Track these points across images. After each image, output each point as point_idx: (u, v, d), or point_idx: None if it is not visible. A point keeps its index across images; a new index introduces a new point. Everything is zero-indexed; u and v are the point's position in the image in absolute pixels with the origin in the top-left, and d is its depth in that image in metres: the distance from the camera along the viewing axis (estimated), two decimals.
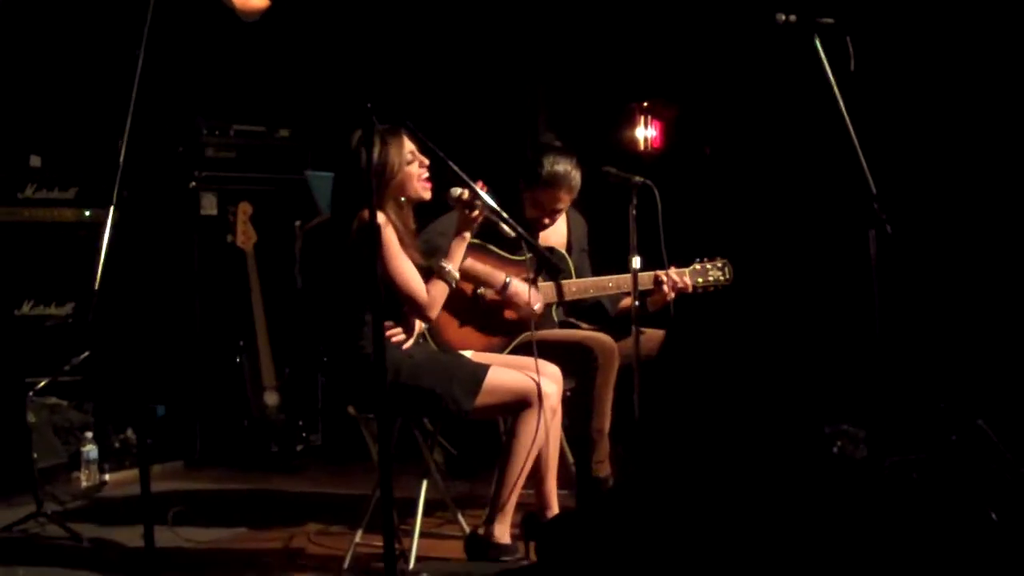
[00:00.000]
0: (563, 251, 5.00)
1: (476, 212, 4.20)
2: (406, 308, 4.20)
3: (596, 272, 5.03)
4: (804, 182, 6.02)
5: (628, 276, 4.53)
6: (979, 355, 5.40)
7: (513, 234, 4.26)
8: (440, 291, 4.21)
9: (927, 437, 4.72)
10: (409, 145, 4.21)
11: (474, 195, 4.14)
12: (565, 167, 4.82)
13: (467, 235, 4.26)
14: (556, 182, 4.82)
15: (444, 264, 4.22)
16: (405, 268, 4.13)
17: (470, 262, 4.62)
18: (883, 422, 4.56)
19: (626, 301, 4.91)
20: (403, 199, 4.24)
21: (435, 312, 4.22)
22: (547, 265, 4.29)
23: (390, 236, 4.09)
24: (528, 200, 4.90)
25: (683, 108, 6.64)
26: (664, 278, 4.78)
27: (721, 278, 4.94)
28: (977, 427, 4.58)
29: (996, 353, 5.37)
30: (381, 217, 4.09)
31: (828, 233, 5.77)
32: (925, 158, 5.69)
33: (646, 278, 4.74)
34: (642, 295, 4.74)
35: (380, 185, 4.14)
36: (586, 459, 4.67)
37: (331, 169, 6.37)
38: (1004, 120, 5.57)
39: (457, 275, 4.24)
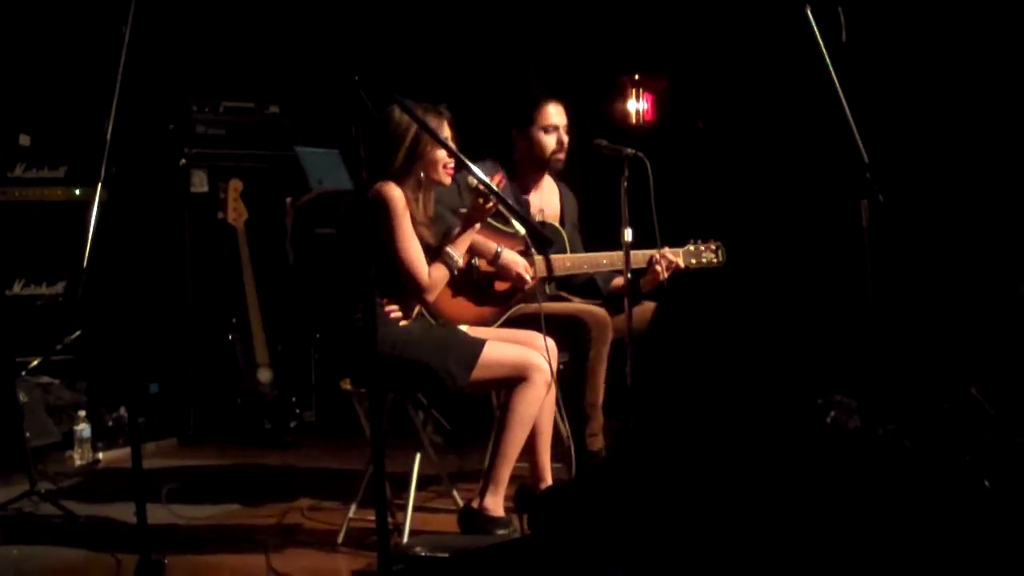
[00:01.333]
0: (557, 225, 4.99)
1: (491, 204, 4.19)
2: (406, 288, 4.20)
3: (587, 247, 5.02)
4: (796, 153, 6.01)
5: (622, 253, 4.52)
6: (971, 323, 5.40)
7: (523, 229, 4.29)
8: (441, 275, 4.22)
9: (920, 406, 4.72)
10: (446, 130, 4.21)
11: (488, 187, 4.13)
12: (549, 94, 4.96)
13: (478, 225, 4.28)
14: (546, 100, 4.92)
15: (449, 250, 4.22)
16: (412, 248, 4.15)
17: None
18: (876, 391, 4.56)
19: (619, 280, 4.90)
20: (423, 177, 4.25)
21: (433, 295, 4.24)
22: (538, 238, 4.27)
23: (402, 214, 4.12)
24: (528, 143, 4.93)
25: (675, 80, 6.63)
26: (658, 257, 4.77)
27: (714, 260, 4.93)
28: (970, 395, 4.59)
29: (988, 321, 5.37)
30: (399, 193, 4.11)
31: (821, 203, 5.76)
32: (917, 128, 5.68)
33: (640, 257, 4.73)
34: (636, 274, 4.74)
35: (409, 158, 4.19)
36: (580, 432, 4.67)
37: (323, 145, 6.44)
38: (996, 89, 5.56)
39: (461, 262, 4.26)
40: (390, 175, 4.17)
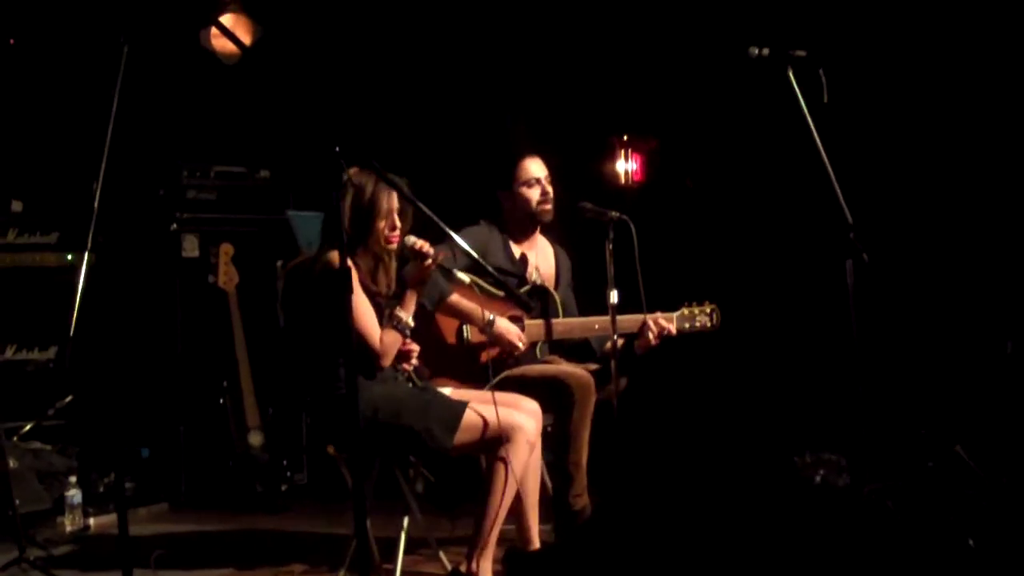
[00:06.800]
0: (551, 288, 5.02)
1: (428, 262, 4.22)
2: (362, 355, 4.19)
3: (580, 307, 5.05)
4: (782, 213, 6.05)
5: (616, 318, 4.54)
6: (956, 381, 5.40)
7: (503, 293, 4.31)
8: (392, 339, 4.22)
9: (905, 464, 4.72)
10: (395, 201, 4.24)
11: (423, 246, 4.17)
12: (526, 150, 5.02)
13: (421, 288, 4.29)
14: (522, 156, 4.99)
15: (398, 313, 4.24)
16: (362, 316, 4.15)
17: (456, 298, 4.65)
18: (863, 449, 4.57)
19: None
20: (375, 249, 4.27)
21: (387, 360, 4.24)
22: (521, 303, 4.30)
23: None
24: (514, 201, 4.97)
25: (663, 141, 6.68)
26: (651, 324, 4.77)
27: (708, 324, 4.93)
28: (954, 453, 4.59)
29: (976, 378, 5.38)
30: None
31: (806, 263, 5.79)
32: (900, 187, 5.72)
33: (633, 322, 4.75)
34: (629, 338, 4.76)
35: (363, 225, 4.20)
36: (564, 492, 4.67)
37: (313, 209, 6.46)
38: (979, 145, 5.61)
39: (411, 324, 4.26)
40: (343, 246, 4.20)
